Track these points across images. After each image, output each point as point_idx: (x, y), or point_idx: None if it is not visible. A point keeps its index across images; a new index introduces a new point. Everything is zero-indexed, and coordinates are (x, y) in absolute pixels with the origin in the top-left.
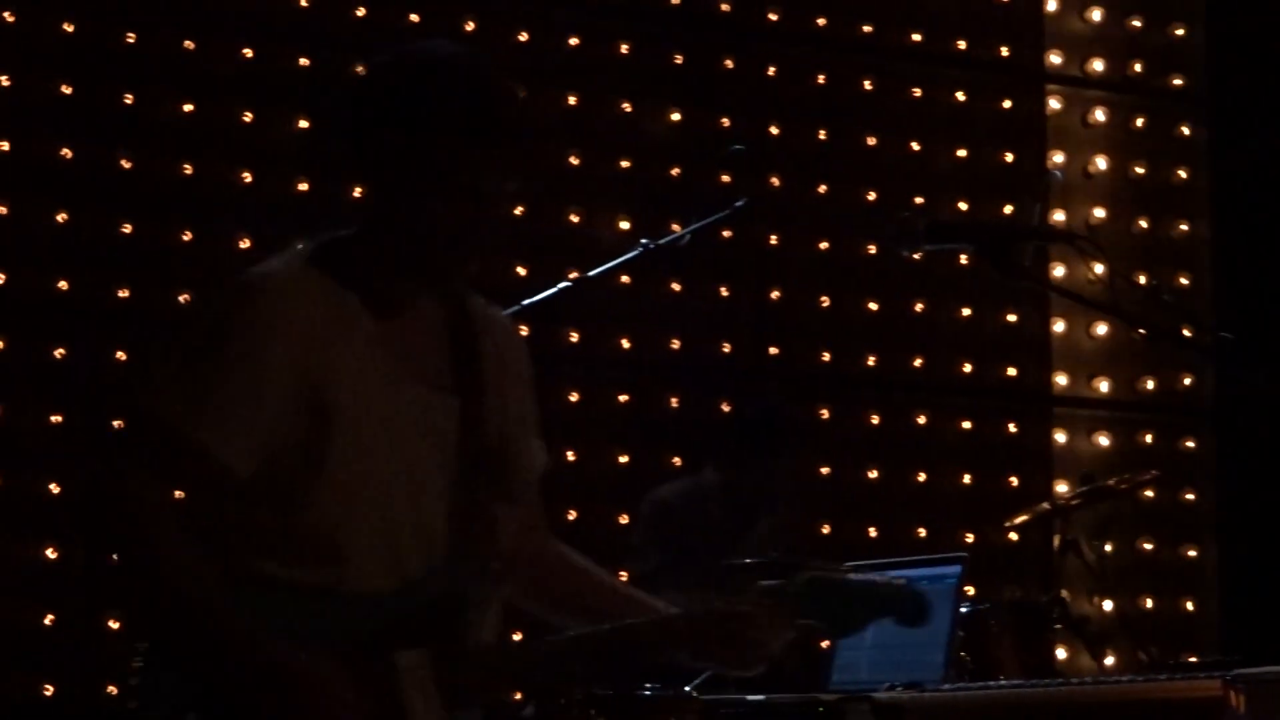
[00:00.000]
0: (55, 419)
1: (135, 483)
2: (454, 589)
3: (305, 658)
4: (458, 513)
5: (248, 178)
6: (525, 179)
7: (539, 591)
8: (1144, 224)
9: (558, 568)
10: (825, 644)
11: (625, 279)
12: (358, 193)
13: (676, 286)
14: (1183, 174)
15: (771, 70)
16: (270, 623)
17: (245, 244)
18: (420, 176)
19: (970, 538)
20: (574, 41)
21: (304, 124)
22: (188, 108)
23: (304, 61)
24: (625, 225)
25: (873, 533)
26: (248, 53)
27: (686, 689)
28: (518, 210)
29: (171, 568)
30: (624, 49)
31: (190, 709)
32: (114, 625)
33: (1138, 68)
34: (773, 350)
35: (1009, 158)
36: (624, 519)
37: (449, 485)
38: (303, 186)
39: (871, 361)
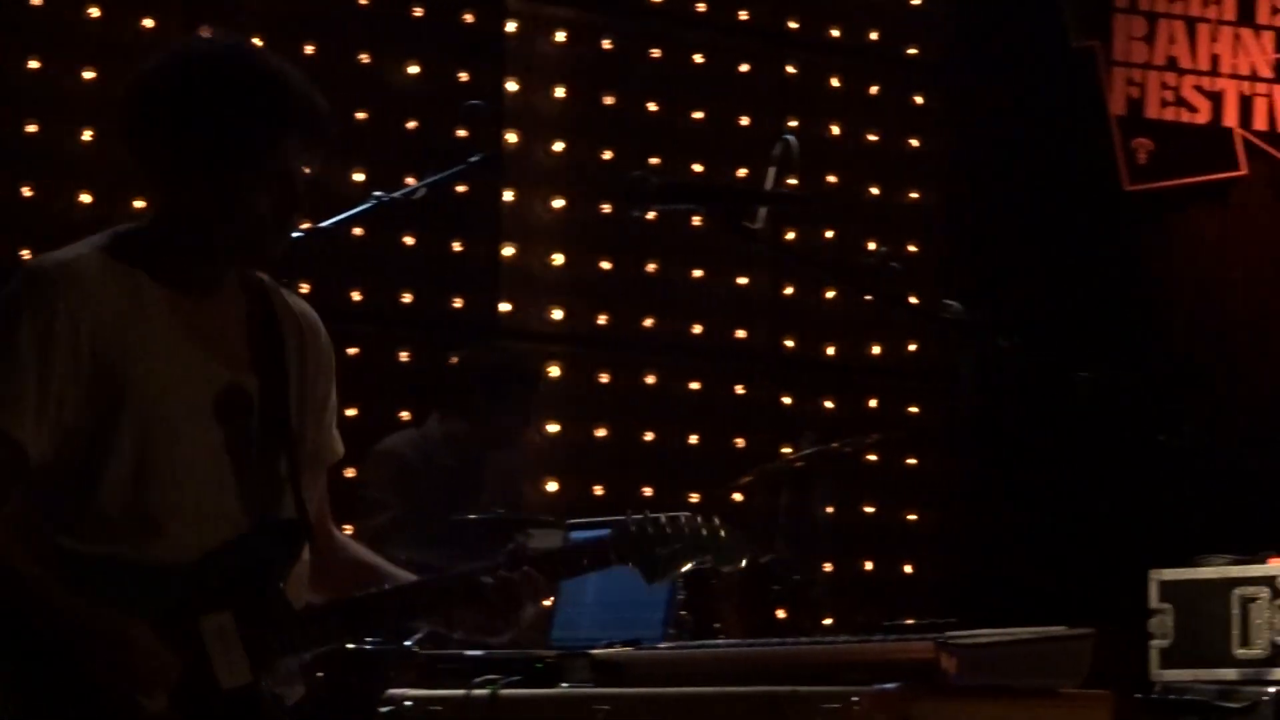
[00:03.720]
0: None
1: None
2: (259, 557)
3: (120, 621)
4: (258, 487)
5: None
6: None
7: (325, 577)
8: (876, 191)
9: (342, 557)
10: (548, 602)
11: (358, 231)
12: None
13: (410, 240)
14: (915, 142)
15: (512, 26)
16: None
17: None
18: (233, 167)
19: (695, 497)
20: None
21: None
22: None
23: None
24: (360, 178)
25: (599, 491)
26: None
27: (407, 644)
28: None
29: None
30: (363, 0)
31: None
32: None
33: (874, 35)
34: (504, 307)
35: (745, 121)
36: (350, 472)
37: (250, 461)
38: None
39: (603, 320)
